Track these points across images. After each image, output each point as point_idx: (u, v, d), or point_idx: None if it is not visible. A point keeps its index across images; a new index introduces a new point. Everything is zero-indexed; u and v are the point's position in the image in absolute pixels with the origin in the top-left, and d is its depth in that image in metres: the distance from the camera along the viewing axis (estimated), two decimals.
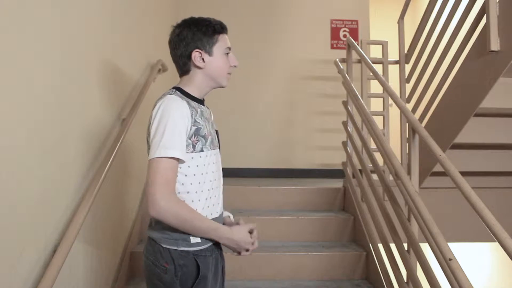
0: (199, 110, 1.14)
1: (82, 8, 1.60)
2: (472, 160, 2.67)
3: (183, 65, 1.18)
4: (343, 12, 4.08)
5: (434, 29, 2.60)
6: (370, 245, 2.23)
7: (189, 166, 1.09)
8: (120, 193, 2.12)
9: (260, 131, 3.99)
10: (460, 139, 2.30)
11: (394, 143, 2.81)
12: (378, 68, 2.59)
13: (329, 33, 4.07)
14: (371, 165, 2.35)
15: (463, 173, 1.44)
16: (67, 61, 1.46)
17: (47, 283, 1.16)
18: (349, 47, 2.98)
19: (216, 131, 1.26)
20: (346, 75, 2.83)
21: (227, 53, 1.18)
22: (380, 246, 2.08)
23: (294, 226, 2.49)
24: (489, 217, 1.24)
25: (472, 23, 2.12)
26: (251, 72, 3.87)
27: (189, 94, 1.16)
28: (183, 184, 1.10)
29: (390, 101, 2.51)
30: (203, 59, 1.15)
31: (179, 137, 1.04)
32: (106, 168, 1.64)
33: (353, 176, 2.71)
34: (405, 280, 1.78)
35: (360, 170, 2.61)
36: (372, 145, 2.47)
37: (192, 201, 1.10)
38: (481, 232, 1.60)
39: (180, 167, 1.08)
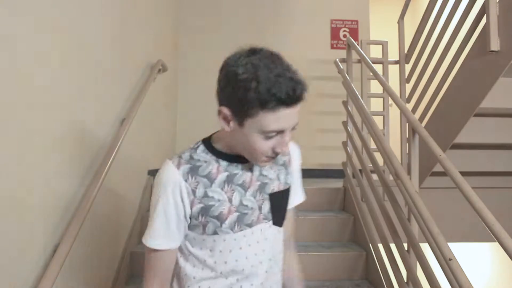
0: (220, 176, 0.84)
1: (82, 8, 1.60)
2: (472, 160, 2.67)
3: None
4: (343, 12, 4.08)
5: (434, 29, 2.60)
6: (370, 245, 2.23)
7: (201, 248, 0.86)
8: (120, 193, 2.12)
9: None
10: (460, 139, 2.30)
11: (394, 143, 2.81)
12: (378, 68, 2.59)
13: (329, 33, 4.07)
14: (371, 165, 2.35)
15: (463, 173, 1.44)
16: (66, 61, 1.46)
17: (47, 283, 1.16)
18: (349, 47, 2.98)
19: (280, 192, 0.91)
20: (346, 75, 2.83)
21: (269, 135, 0.77)
22: (380, 246, 2.08)
23: None
24: (489, 217, 1.24)
25: (472, 23, 2.12)
26: None
27: (216, 149, 0.87)
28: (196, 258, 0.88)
29: (390, 101, 2.51)
30: (229, 122, 0.79)
31: (165, 224, 0.83)
32: (106, 168, 1.64)
33: (353, 176, 2.71)
34: (405, 280, 1.78)
35: (360, 170, 2.61)
36: (372, 145, 2.47)
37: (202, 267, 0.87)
38: (481, 232, 1.61)
39: (191, 247, 0.87)
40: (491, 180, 2.85)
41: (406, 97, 3.01)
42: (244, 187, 0.86)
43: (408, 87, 2.99)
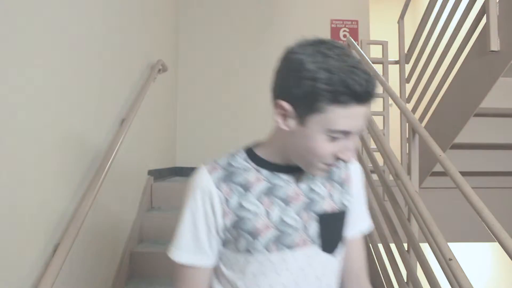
0: (259, 186, 0.74)
1: (82, 8, 1.60)
2: (472, 160, 2.67)
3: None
4: (343, 12, 4.08)
5: (434, 29, 2.60)
6: (370, 245, 2.23)
7: (233, 269, 0.76)
8: (120, 193, 2.12)
9: (260, 131, 3.96)
10: (460, 139, 2.30)
11: (394, 143, 2.81)
12: (378, 68, 2.59)
13: (329, 33, 4.06)
14: (371, 165, 2.35)
15: (463, 173, 1.44)
16: (66, 60, 1.46)
17: (47, 283, 1.16)
18: (349, 47, 2.97)
19: (333, 215, 0.78)
20: None
21: (335, 137, 0.67)
22: (380, 246, 2.07)
23: None
24: (489, 217, 1.24)
25: (472, 23, 2.12)
26: (251, 72, 3.87)
27: (258, 157, 0.78)
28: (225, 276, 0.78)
29: (390, 101, 2.51)
30: (287, 119, 0.70)
31: (193, 234, 0.74)
32: (106, 167, 1.64)
33: None
34: (405, 280, 1.78)
35: None
36: (372, 145, 2.47)
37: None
38: (481, 232, 1.60)
39: (224, 268, 0.78)
40: (491, 180, 2.84)
41: (406, 97, 3.01)
42: (287, 201, 0.74)
43: (408, 87, 2.99)
